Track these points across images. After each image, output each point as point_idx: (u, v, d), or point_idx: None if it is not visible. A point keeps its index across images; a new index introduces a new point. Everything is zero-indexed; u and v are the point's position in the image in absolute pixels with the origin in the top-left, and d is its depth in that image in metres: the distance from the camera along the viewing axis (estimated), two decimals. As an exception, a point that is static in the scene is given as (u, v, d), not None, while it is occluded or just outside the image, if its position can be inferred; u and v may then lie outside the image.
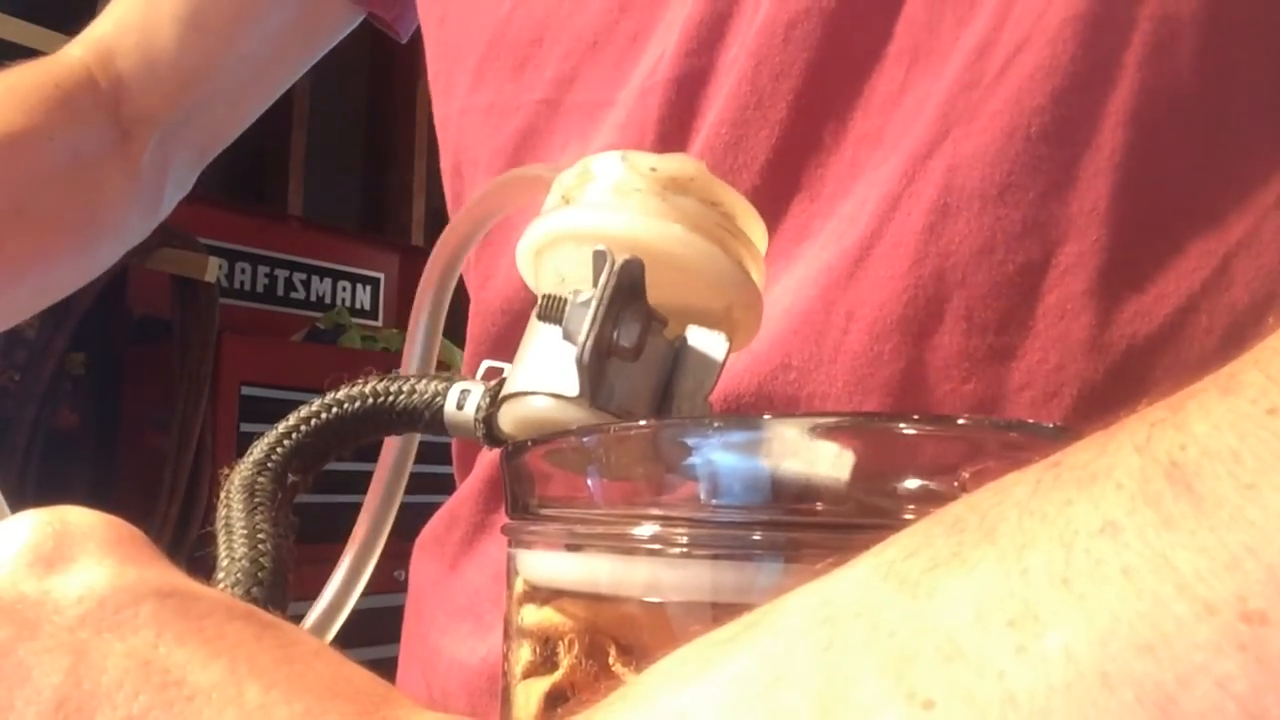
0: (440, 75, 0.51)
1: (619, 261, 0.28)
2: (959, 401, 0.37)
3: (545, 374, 0.29)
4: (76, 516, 0.23)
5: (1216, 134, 0.37)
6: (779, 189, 0.40)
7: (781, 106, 0.40)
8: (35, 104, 0.59)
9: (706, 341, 0.29)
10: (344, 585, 0.37)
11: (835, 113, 0.40)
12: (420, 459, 0.39)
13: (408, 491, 0.39)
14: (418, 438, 0.39)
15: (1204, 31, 0.37)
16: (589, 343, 0.27)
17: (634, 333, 0.28)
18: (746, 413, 0.39)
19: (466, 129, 0.49)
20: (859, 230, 0.38)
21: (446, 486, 0.52)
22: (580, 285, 0.29)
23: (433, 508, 0.52)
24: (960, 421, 0.28)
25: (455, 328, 0.52)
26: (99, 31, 0.65)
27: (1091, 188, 0.37)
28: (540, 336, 0.30)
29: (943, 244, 0.37)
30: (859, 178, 0.39)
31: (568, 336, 0.28)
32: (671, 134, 0.42)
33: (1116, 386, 0.36)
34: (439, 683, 0.48)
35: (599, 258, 0.28)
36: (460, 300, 0.51)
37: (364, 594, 0.37)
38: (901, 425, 0.23)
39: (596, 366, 0.27)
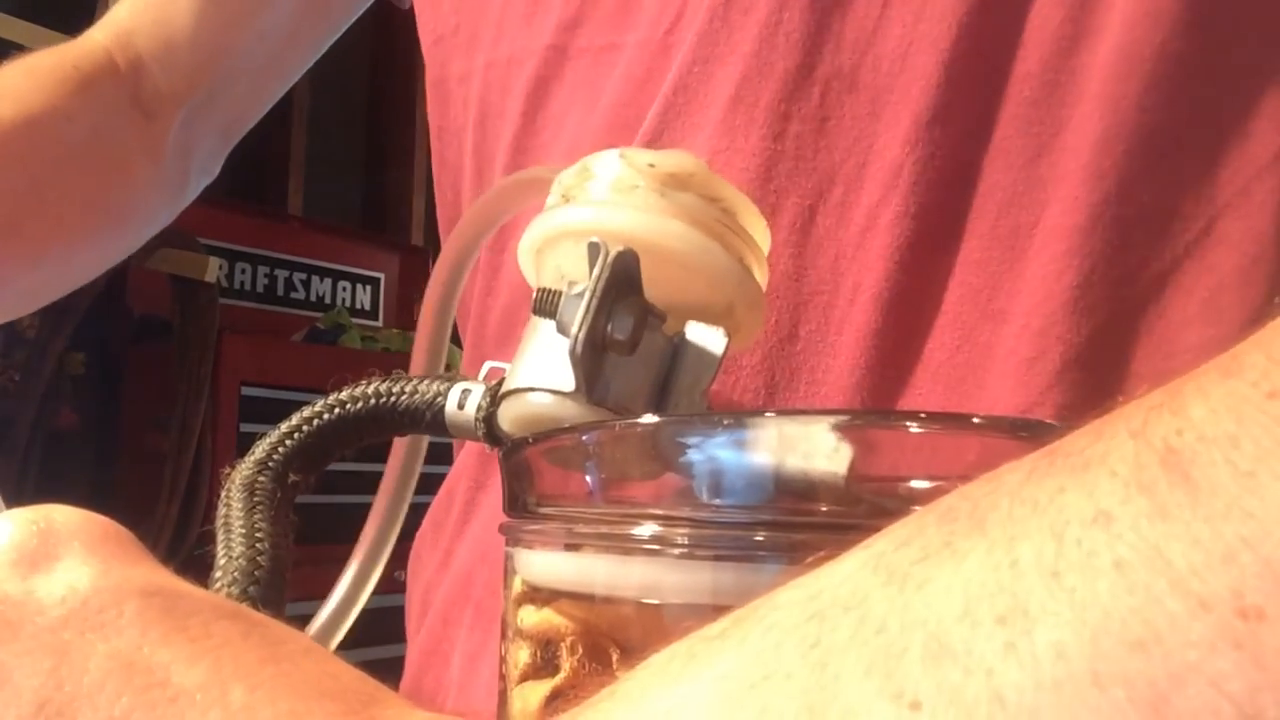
0: (461, 29, 0.50)
1: (612, 253, 0.27)
2: (951, 371, 0.37)
3: (542, 370, 0.29)
4: (62, 515, 0.23)
5: (1206, 91, 0.36)
6: (737, 122, 0.39)
7: (746, 40, 0.39)
8: (53, 85, 0.59)
9: (705, 337, 0.29)
10: (351, 588, 0.37)
11: (803, 48, 0.39)
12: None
13: (406, 491, 0.39)
14: (425, 442, 0.39)
15: None
16: (581, 334, 0.27)
17: (627, 325, 0.27)
18: (746, 398, 0.38)
19: (492, 82, 0.48)
20: (868, 199, 0.38)
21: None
22: (580, 281, 0.29)
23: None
24: (972, 420, 0.28)
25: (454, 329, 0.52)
26: (117, 15, 0.65)
27: (1073, 147, 0.37)
28: (538, 334, 0.30)
29: (944, 213, 0.37)
30: (829, 119, 0.39)
31: (562, 329, 0.28)
32: (692, 86, 0.41)
33: (1100, 350, 0.36)
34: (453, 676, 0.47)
35: (593, 249, 0.28)
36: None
37: (363, 594, 0.37)
38: (908, 423, 0.22)
39: (590, 359, 0.27)
